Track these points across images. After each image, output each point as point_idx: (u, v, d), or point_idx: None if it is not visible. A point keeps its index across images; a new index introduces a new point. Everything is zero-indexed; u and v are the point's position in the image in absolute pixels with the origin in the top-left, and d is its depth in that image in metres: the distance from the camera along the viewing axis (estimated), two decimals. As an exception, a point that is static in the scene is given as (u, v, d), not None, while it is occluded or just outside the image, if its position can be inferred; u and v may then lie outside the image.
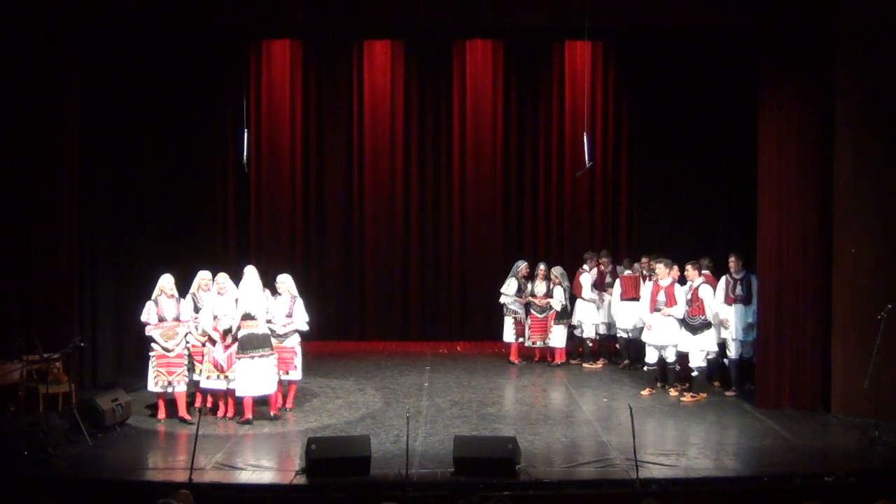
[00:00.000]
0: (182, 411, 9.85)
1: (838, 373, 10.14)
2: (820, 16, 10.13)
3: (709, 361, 11.05)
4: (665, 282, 11.02)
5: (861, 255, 10.00)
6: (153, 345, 9.83)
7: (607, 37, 14.10)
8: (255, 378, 9.59)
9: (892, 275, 9.82)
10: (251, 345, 9.59)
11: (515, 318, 12.88)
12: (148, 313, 9.86)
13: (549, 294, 12.65)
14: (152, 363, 9.81)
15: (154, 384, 9.82)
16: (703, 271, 11.07)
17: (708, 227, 13.55)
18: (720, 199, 13.35)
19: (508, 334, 12.93)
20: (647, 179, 14.82)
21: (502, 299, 12.90)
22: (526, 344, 12.90)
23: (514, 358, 12.94)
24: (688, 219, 14.13)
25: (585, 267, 12.95)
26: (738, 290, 10.88)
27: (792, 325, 10.35)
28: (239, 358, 9.61)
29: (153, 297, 9.91)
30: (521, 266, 12.99)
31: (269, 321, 9.99)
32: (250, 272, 9.90)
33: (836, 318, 10.18)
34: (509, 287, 12.86)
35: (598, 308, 12.84)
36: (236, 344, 9.75)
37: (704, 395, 10.84)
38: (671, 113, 14.09)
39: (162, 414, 9.92)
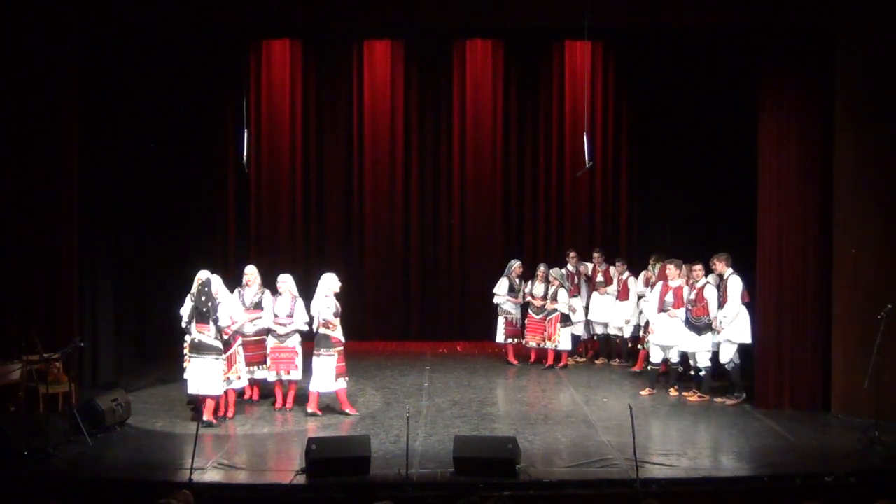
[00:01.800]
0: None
1: (838, 373, 10.15)
2: (820, 16, 10.13)
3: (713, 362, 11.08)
4: (675, 283, 11.02)
5: (861, 255, 10.01)
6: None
7: (607, 37, 14.09)
8: (318, 375, 9.90)
9: (892, 275, 9.82)
10: (318, 344, 9.97)
11: (507, 319, 12.85)
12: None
13: (546, 296, 12.62)
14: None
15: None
16: (728, 269, 10.79)
17: (708, 227, 13.54)
18: (720, 199, 13.34)
19: (500, 335, 12.91)
20: (647, 179, 14.82)
21: (496, 299, 12.88)
22: (523, 344, 12.88)
23: (511, 358, 12.91)
24: (688, 219, 14.13)
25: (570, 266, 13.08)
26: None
27: (792, 326, 10.35)
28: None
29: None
30: (515, 265, 12.96)
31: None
32: (330, 277, 10.09)
33: (836, 319, 10.19)
34: (500, 287, 12.84)
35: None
36: (237, 343, 9.80)
37: (708, 396, 10.85)
38: (671, 113, 14.09)
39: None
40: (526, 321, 12.81)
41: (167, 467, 8.33)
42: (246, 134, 11.29)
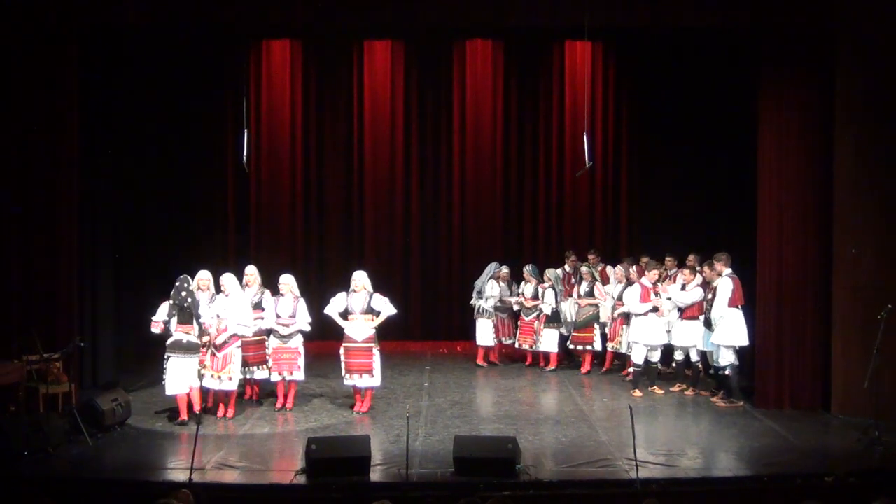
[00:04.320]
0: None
1: (838, 373, 10.15)
2: (820, 16, 10.13)
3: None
4: (649, 282, 11.24)
5: (861, 255, 10.01)
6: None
7: (607, 37, 14.10)
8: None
9: (892, 275, 9.82)
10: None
11: (492, 321, 12.78)
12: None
13: (536, 296, 12.56)
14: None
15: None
16: (726, 269, 10.65)
17: (708, 226, 13.54)
18: (720, 199, 13.35)
19: (487, 337, 12.79)
20: (647, 179, 14.83)
21: (490, 303, 12.74)
22: (516, 346, 12.88)
23: (480, 361, 12.83)
24: (688, 218, 14.10)
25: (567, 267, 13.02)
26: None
27: (792, 325, 10.35)
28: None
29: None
30: (500, 271, 12.87)
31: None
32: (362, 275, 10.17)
33: (836, 318, 10.19)
34: (492, 289, 12.76)
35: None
36: (234, 344, 9.80)
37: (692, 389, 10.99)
38: (671, 113, 14.08)
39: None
40: (518, 323, 12.76)
41: (167, 467, 8.35)
42: (246, 134, 11.29)
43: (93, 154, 11.04)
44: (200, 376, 9.75)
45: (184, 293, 9.63)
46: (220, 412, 9.95)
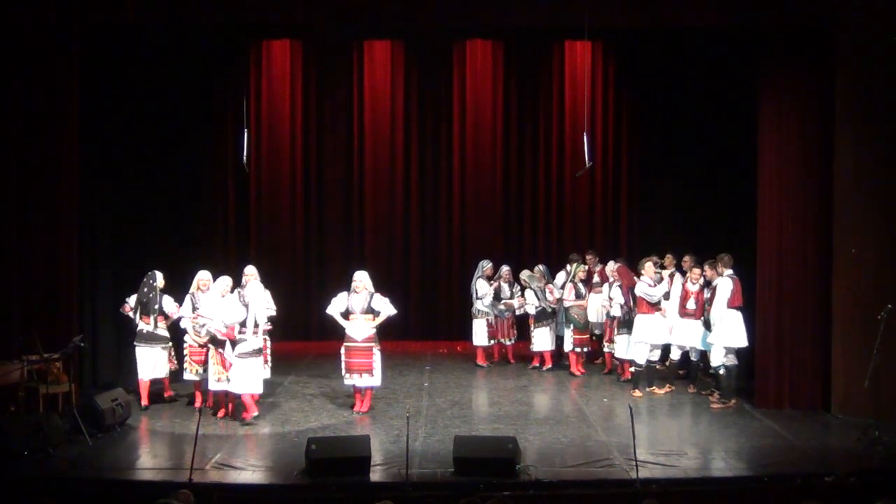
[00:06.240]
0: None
1: (838, 373, 10.15)
2: (820, 16, 10.13)
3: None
4: (649, 280, 11.20)
5: (861, 255, 10.01)
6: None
7: (607, 37, 14.11)
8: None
9: (892, 275, 9.82)
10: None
11: (488, 321, 12.78)
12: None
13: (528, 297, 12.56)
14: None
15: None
16: (727, 270, 10.58)
17: (708, 226, 13.54)
18: (720, 199, 13.35)
19: (481, 337, 12.77)
20: (647, 179, 14.83)
21: (485, 302, 12.70)
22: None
23: (481, 360, 12.82)
24: (688, 218, 14.11)
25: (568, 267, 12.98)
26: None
27: (792, 326, 10.35)
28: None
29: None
30: (503, 269, 12.90)
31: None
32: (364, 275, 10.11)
33: (836, 318, 10.19)
34: (483, 288, 12.74)
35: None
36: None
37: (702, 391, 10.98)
38: (671, 113, 14.08)
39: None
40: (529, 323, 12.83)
41: (167, 467, 8.35)
42: (246, 134, 11.29)
43: (93, 154, 11.03)
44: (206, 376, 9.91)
45: (146, 289, 10.22)
46: (221, 412, 9.94)
